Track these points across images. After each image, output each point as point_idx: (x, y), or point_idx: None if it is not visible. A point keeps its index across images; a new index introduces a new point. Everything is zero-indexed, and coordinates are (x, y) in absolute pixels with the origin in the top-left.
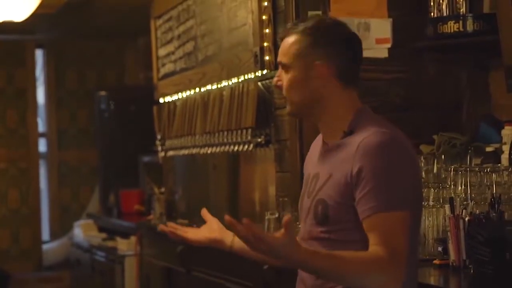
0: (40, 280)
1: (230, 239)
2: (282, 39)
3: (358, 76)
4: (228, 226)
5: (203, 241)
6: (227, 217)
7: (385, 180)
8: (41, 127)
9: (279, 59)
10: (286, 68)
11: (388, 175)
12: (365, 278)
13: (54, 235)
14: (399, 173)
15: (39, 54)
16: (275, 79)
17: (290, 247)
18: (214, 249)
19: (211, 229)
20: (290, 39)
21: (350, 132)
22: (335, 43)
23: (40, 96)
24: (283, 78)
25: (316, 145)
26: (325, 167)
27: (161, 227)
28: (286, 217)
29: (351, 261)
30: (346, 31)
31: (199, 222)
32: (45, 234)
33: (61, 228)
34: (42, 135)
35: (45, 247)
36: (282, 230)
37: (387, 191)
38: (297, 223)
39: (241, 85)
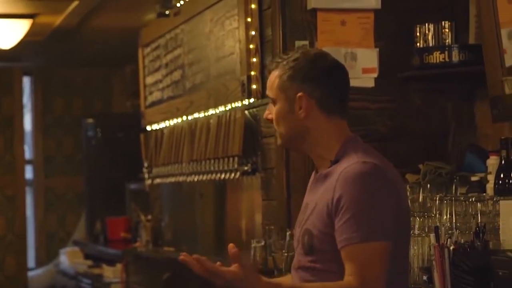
0: None
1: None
2: (270, 72)
3: (345, 105)
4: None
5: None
6: (181, 256)
7: (363, 210)
8: (28, 154)
9: (267, 92)
10: (273, 101)
11: (367, 205)
12: None
13: (40, 262)
14: (379, 203)
15: (26, 81)
16: (266, 112)
17: (250, 281)
18: (199, 277)
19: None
20: (275, 73)
21: (336, 161)
22: (315, 74)
23: (27, 123)
24: (272, 111)
25: (312, 176)
26: (314, 197)
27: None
28: (231, 247)
29: None
30: (327, 62)
31: (186, 250)
32: (31, 261)
33: (47, 255)
34: (28, 162)
35: (30, 274)
36: (235, 263)
37: (365, 221)
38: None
39: (228, 114)
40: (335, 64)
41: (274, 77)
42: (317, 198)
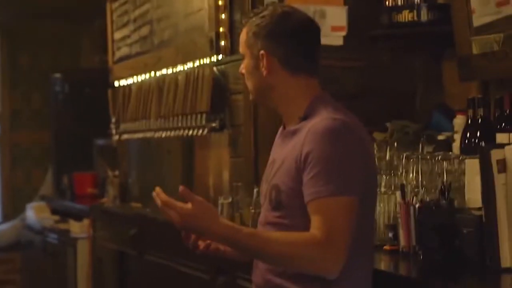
0: None
1: None
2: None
3: (312, 63)
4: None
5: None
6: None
7: (332, 164)
8: None
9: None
10: (242, 57)
11: (335, 160)
12: (296, 259)
13: (6, 217)
14: (347, 159)
15: None
16: (240, 67)
17: (206, 219)
18: (166, 232)
19: None
20: (244, 29)
21: (304, 118)
22: (278, 33)
23: None
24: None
25: (279, 132)
26: (281, 153)
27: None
28: (181, 189)
29: (279, 241)
30: (293, 20)
31: (153, 206)
32: None
33: (13, 210)
34: None
35: None
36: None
37: (332, 176)
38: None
39: (196, 70)
40: (302, 22)
41: (243, 33)
42: (285, 154)
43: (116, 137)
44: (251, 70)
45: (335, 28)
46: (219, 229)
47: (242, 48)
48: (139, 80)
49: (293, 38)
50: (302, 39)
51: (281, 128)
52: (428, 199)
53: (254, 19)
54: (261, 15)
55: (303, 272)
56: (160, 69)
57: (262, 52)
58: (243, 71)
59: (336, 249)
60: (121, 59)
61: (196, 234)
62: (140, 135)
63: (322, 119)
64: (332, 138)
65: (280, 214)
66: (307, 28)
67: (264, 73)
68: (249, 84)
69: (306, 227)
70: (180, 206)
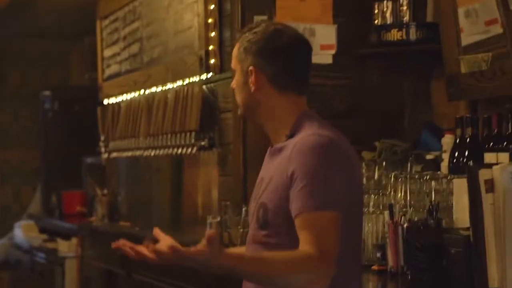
0: None
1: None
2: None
3: (302, 82)
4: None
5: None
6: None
7: (317, 179)
8: None
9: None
10: (233, 72)
11: (321, 175)
12: (295, 277)
13: None
14: (331, 175)
15: None
16: (232, 82)
17: (214, 258)
18: None
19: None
20: (237, 44)
21: (291, 136)
22: (268, 50)
23: None
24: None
25: (268, 151)
26: (269, 171)
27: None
28: (211, 232)
29: (279, 262)
30: (284, 38)
31: (141, 225)
32: None
33: (1, 228)
34: None
35: None
36: (204, 242)
37: (319, 191)
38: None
39: (185, 88)
40: (294, 40)
41: (235, 48)
42: (272, 171)
43: (105, 155)
44: (241, 85)
45: (324, 47)
46: (223, 264)
47: (233, 63)
48: (129, 98)
49: (283, 56)
50: (293, 57)
51: (270, 147)
52: (416, 219)
53: (247, 34)
54: (253, 31)
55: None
56: (149, 87)
57: (251, 68)
58: (234, 86)
59: (329, 263)
60: (111, 76)
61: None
62: (129, 153)
63: (308, 135)
64: (317, 153)
65: (266, 233)
66: (298, 47)
67: (252, 89)
68: (238, 99)
69: (293, 245)
70: (197, 253)
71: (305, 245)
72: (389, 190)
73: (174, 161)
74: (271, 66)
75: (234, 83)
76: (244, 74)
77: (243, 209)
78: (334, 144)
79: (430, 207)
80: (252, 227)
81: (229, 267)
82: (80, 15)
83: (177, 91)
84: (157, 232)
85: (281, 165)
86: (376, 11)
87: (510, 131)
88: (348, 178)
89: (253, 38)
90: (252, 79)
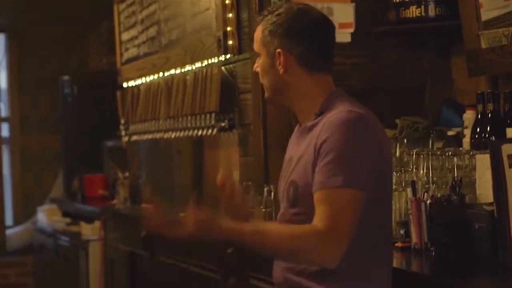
0: (3, 265)
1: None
2: (257, 25)
3: (328, 61)
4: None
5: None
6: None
7: (343, 156)
8: (4, 112)
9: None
10: (258, 55)
11: (347, 152)
12: (298, 251)
13: (17, 221)
14: (360, 153)
15: (1, 38)
16: (255, 65)
17: (210, 229)
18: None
19: None
20: (259, 27)
21: (320, 113)
22: (295, 31)
23: (2, 81)
24: (259, 64)
25: (295, 130)
26: (298, 150)
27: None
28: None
29: (280, 235)
30: (309, 18)
31: (163, 207)
32: (9, 219)
33: (24, 213)
34: (4, 120)
35: (8, 232)
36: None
37: (343, 168)
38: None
39: (204, 70)
40: (319, 20)
41: (258, 31)
42: (302, 150)
43: (125, 139)
44: (267, 68)
45: (342, 25)
46: (223, 234)
47: (257, 46)
48: (148, 81)
49: (310, 36)
50: (319, 37)
51: (297, 126)
52: (439, 195)
53: (269, 17)
54: (276, 12)
55: (306, 264)
56: (168, 69)
57: (278, 50)
58: (258, 69)
59: (336, 240)
60: (129, 60)
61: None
62: (149, 136)
63: (338, 111)
64: (346, 129)
65: (297, 211)
66: (324, 26)
67: (281, 71)
68: (265, 82)
69: None
70: (177, 227)
71: (316, 220)
72: (411, 167)
73: (194, 143)
74: (299, 46)
75: (258, 67)
76: (270, 57)
77: (265, 189)
78: (364, 120)
79: (453, 183)
80: (283, 206)
81: (229, 238)
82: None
83: (196, 73)
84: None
85: (311, 142)
86: None
87: None
88: (377, 155)
89: (277, 20)
90: (280, 61)
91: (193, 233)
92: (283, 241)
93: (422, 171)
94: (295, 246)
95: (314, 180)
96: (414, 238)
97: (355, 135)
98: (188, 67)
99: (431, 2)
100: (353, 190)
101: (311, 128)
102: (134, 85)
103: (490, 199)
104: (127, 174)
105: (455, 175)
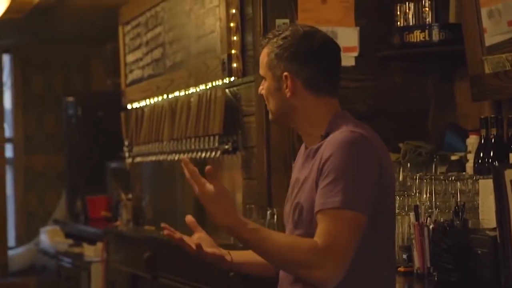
0: (6, 286)
1: (226, 253)
2: (262, 49)
3: (334, 84)
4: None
5: (206, 255)
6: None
7: (344, 177)
8: (8, 132)
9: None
10: (263, 78)
11: (349, 172)
12: (292, 262)
13: (20, 241)
14: (361, 174)
15: (5, 59)
16: (260, 88)
17: (222, 208)
18: (180, 256)
19: (203, 241)
20: (265, 50)
21: (326, 135)
22: (301, 54)
23: (7, 101)
24: (264, 87)
25: (301, 152)
26: (304, 172)
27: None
28: (208, 167)
29: (280, 241)
30: (316, 41)
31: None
32: (11, 240)
33: (27, 234)
34: (8, 140)
35: (10, 253)
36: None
37: (344, 189)
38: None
39: (208, 92)
40: (325, 43)
41: (263, 54)
42: (307, 172)
43: (129, 160)
44: (273, 92)
45: (346, 49)
46: (227, 219)
47: (262, 70)
48: (152, 102)
49: (316, 59)
50: (326, 59)
51: (303, 147)
52: (442, 220)
53: (275, 40)
54: (282, 35)
55: (301, 277)
56: (172, 91)
57: (285, 74)
58: (263, 92)
59: (334, 260)
60: (134, 82)
61: (208, 214)
62: (153, 158)
63: (341, 131)
64: (348, 150)
65: (300, 232)
66: (330, 48)
67: (288, 94)
68: (271, 106)
69: None
70: (202, 183)
71: (316, 237)
72: (414, 191)
73: (198, 165)
74: (305, 70)
75: (263, 90)
76: (276, 80)
77: (268, 212)
78: (366, 141)
79: (456, 208)
80: (288, 228)
81: (231, 226)
82: (102, 21)
83: (200, 95)
84: (190, 220)
85: (315, 163)
86: (398, 12)
87: None
88: (377, 177)
89: (284, 43)
90: (287, 84)
91: (208, 203)
92: (282, 246)
93: (425, 196)
94: (291, 256)
95: (316, 200)
96: (417, 263)
97: (355, 156)
98: (192, 89)
99: (435, 27)
100: (352, 212)
101: (316, 151)
102: (138, 106)
103: (493, 224)
104: (130, 195)
105: (458, 199)
